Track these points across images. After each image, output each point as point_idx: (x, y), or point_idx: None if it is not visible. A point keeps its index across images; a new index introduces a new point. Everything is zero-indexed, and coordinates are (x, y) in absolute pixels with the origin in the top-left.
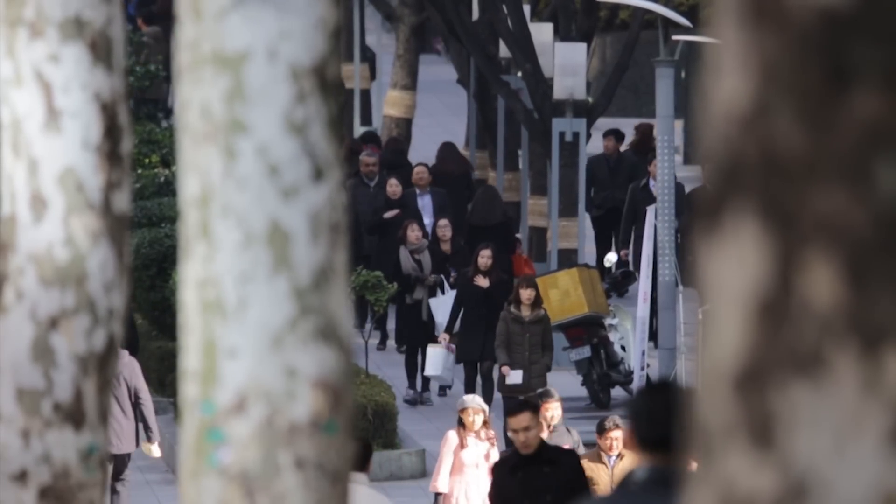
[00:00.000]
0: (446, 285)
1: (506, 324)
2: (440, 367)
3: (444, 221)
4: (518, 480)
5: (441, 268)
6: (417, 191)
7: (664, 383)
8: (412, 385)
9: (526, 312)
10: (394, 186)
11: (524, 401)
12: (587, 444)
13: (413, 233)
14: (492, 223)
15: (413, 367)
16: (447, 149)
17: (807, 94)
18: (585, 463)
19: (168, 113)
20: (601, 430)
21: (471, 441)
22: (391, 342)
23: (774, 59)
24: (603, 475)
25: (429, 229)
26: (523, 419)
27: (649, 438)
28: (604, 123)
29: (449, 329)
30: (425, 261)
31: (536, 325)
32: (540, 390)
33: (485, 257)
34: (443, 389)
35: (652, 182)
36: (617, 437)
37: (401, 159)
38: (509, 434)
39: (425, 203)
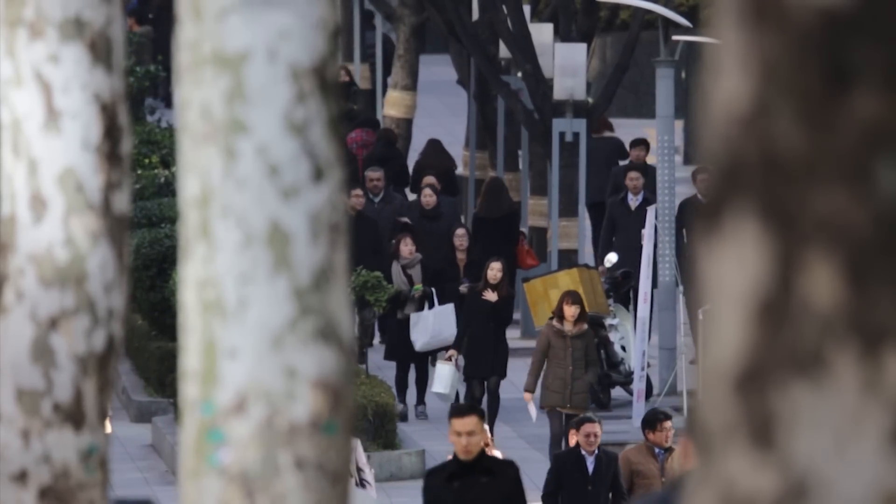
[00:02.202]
0: (435, 300)
1: (547, 338)
2: (448, 385)
3: (461, 231)
4: (454, 490)
5: (432, 282)
6: None
7: None
8: (402, 399)
9: (569, 327)
10: (428, 196)
11: (472, 405)
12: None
13: (406, 247)
14: (498, 215)
15: (403, 382)
16: (431, 145)
17: (807, 94)
18: (633, 456)
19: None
20: (653, 424)
21: None
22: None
23: (774, 59)
24: (653, 468)
25: None
26: (469, 422)
27: None
28: None
29: (457, 344)
30: (416, 276)
31: (579, 340)
32: (583, 416)
33: (494, 270)
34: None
35: (630, 196)
36: (670, 427)
37: (392, 152)
38: (451, 438)
39: None
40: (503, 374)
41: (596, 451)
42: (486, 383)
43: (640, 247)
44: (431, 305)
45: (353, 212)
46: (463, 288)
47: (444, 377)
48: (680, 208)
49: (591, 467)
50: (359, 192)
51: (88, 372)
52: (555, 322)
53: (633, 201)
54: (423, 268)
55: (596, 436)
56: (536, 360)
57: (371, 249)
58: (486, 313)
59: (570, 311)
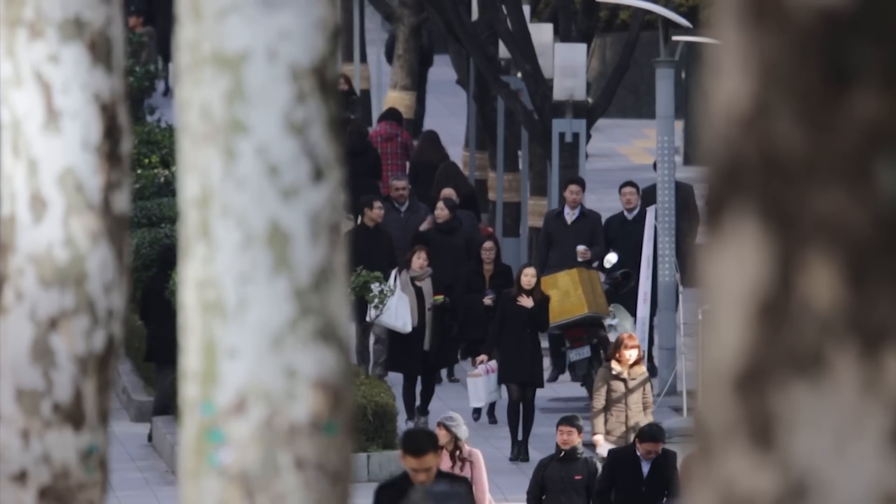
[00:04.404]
0: (393, 289)
1: (605, 382)
2: (483, 398)
3: (489, 244)
4: None
5: (443, 292)
6: None
7: None
8: (410, 416)
9: (625, 369)
10: (440, 210)
11: (428, 437)
12: (588, 444)
13: (418, 260)
14: (458, 198)
15: (411, 397)
16: (428, 138)
17: (807, 94)
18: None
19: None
20: None
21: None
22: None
23: (774, 59)
24: None
25: None
26: (427, 461)
27: None
28: (604, 124)
29: (488, 350)
30: (426, 288)
31: (639, 384)
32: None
33: (528, 276)
34: (492, 417)
35: (567, 210)
36: None
37: (365, 144)
38: (409, 470)
39: None
40: (541, 384)
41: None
42: (522, 391)
43: (577, 262)
44: (453, 317)
45: (372, 223)
46: (487, 300)
47: (479, 391)
48: (607, 223)
49: (645, 469)
50: (380, 203)
51: (88, 372)
52: (613, 365)
53: (570, 215)
54: (435, 281)
55: (657, 453)
56: (599, 406)
57: (387, 263)
58: (522, 319)
59: (628, 355)
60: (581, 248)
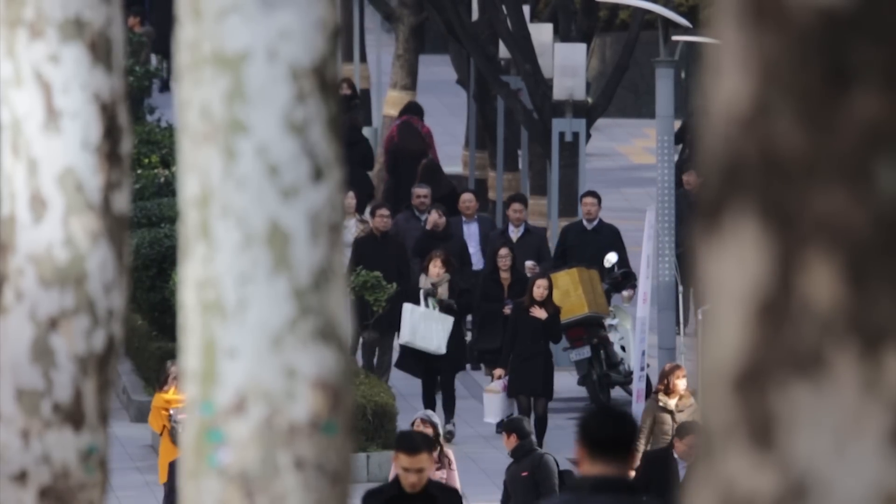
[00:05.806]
0: (429, 301)
1: (652, 416)
2: (499, 415)
3: (504, 251)
4: None
5: (458, 300)
6: (464, 219)
7: (610, 406)
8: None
9: (674, 401)
10: (437, 217)
11: (424, 438)
12: None
13: (434, 269)
14: (437, 196)
15: (430, 398)
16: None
17: (807, 94)
18: None
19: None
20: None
21: None
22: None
23: (774, 59)
24: None
25: (474, 258)
26: (421, 460)
27: (599, 450)
28: (604, 124)
29: (504, 363)
30: (443, 293)
31: (685, 414)
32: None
33: (541, 287)
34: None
35: (511, 228)
36: None
37: (356, 135)
38: (398, 471)
39: (472, 231)
40: (551, 396)
41: None
42: (533, 403)
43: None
44: (463, 317)
45: (378, 233)
46: (507, 310)
47: (495, 407)
48: (564, 231)
49: (683, 471)
50: (385, 211)
51: (88, 372)
52: (660, 396)
53: (515, 233)
54: (452, 286)
55: None
56: (644, 440)
57: (397, 272)
58: (535, 330)
59: (680, 385)
60: (529, 263)
